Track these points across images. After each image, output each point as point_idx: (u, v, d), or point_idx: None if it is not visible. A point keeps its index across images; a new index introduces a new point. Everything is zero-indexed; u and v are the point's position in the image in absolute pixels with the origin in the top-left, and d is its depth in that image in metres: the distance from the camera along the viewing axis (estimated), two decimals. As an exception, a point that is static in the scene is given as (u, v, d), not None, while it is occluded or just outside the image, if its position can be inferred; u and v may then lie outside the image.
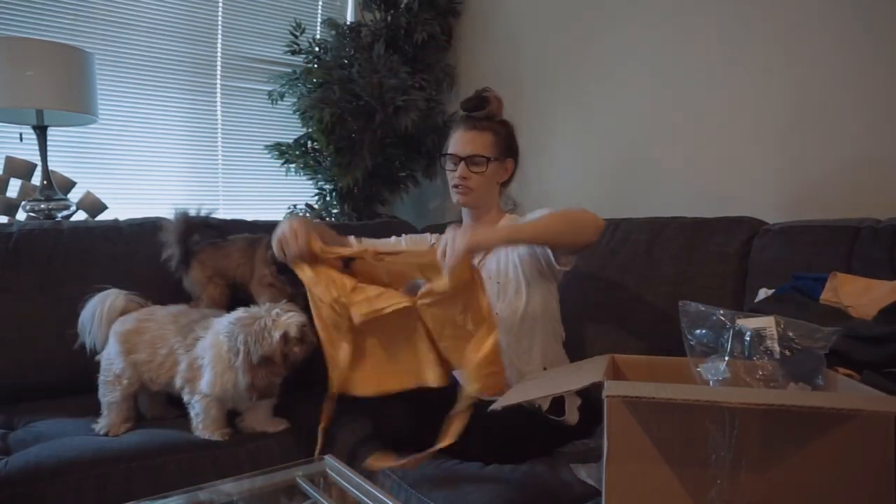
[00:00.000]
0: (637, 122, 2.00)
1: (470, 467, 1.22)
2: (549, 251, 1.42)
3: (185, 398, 1.40)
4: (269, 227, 2.03)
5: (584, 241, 1.35)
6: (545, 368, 1.46)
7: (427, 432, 1.19)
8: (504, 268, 1.51)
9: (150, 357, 1.41)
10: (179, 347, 1.39)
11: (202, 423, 1.39)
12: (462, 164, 1.51)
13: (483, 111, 1.51)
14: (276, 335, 1.32)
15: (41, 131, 1.99)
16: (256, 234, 1.81)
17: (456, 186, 1.53)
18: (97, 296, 1.50)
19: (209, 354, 1.36)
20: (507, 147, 1.55)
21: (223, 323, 1.38)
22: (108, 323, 1.47)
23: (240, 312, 1.38)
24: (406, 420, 1.32)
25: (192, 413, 1.40)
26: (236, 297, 1.73)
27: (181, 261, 1.75)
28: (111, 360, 1.44)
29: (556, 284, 1.52)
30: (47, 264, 1.69)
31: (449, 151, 1.54)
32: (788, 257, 1.37)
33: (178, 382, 1.40)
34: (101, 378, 1.45)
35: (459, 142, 1.52)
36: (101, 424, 1.41)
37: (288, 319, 1.34)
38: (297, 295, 1.55)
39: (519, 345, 1.45)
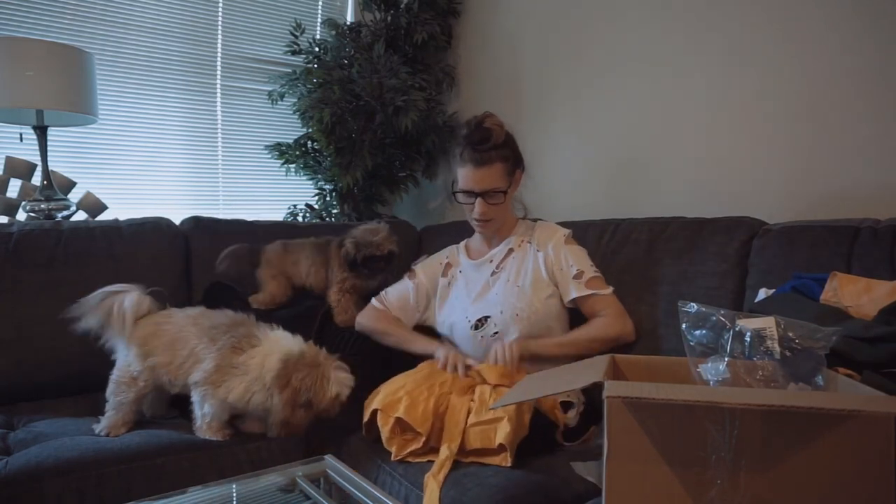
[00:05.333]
0: (637, 122, 2.00)
1: (470, 465, 1.22)
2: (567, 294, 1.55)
3: (196, 396, 1.39)
4: (270, 227, 2.09)
5: (609, 349, 1.45)
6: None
7: None
8: (524, 270, 1.56)
9: (169, 359, 1.40)
10: (205, 348, 1.38)
11: (208, 424, 1.38)
12: (479, 200, 1.54)
13: (489, 143, 1.51)
14: (333, 390, 1.35)
15: (41, 131, 1.99)
16: (322, 238, 1.90)
17: (477, 220, 1.59)
18: (124, 296, 1.45)
19: (254, 371, 1.35)
20: (515, 163, 1.58)
21: (280, 348, 1.37)
22: (133, 323, 1.44)
23: (302, 346, 1.39)
24: None
25: (199, 412, 1.38)
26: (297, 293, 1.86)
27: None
28: (129, 363, 1.42)
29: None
30: (47, 264, 1.68)
31: (462, 188, 1.55)
32: (788, 257, 1.36)
33: (196, 376, 1.37)
34: (115, 377, 1.43)
35: (472, 179, 1.53)
36: (102, 425, 1.40)
37: (344, 380, 1.37)
38: (373, 284, 1.77)
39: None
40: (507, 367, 1.36)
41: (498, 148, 1.52)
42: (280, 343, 1.39)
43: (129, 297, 1.44)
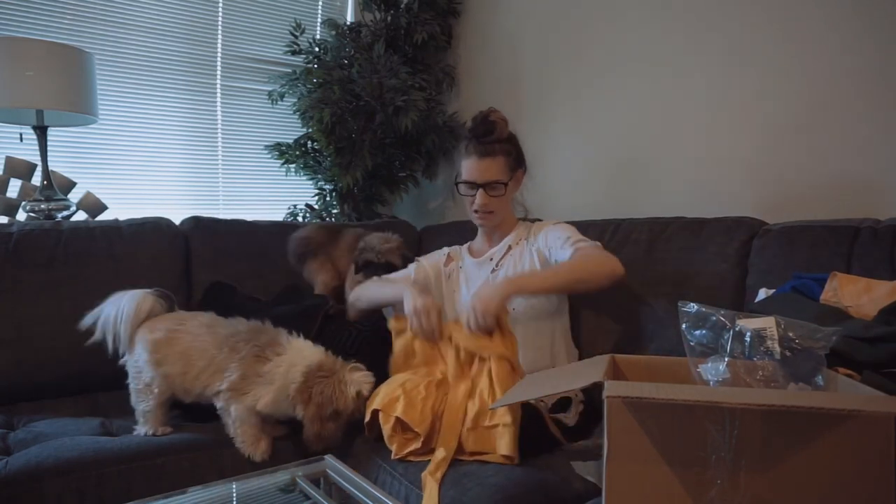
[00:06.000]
0: (637, 122, 2.00)
1: (470, 464, 1.22)
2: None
3: (220, 404, 1.38)
4: (270, 227, 2.08)
5: (598, 287, 1.42)
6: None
7: None
8: (521, 266, 1.58)
9: (184, 369, 1.39)
10: (226, 358, 1.37)
11: (240, 430, 1.37)
12: (481, 191, 1.55)
13: (493, 136, 1.53)
14: (352, 392, 1.34)
15: (41, 131, 1.99)
16: (358, 230, 1.99)
17: (477, 212, 1.59)
18: (123, 297, 1.45)
19: (279, 380, 1.35)
20: (517, 161, 1.60)
21: (303, 359, 1.37)
22: (135, 326, 1.43)
23: (321, 356, 1.38)
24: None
25: (229, 419, 1.37)
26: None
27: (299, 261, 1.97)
28: (140, 369, 1.41)
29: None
30: (47, 264, 1.68)
31: (465, 179, 1.57)
32: (788, 257, 1.37)
33: (219, 387, 1.36)
34: (132, 385, 1.43)
35: (475, 170, 1.54)
36: (144, 429, 1.40)
37: (362, 378, 1.37)
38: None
39: (534, 341, 1.50)
40: (478, 339, 1.30)
41: (501, 142, 1.55)
42: (303, 353, 1.39)
43: (129, 297, 1.43)
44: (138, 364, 1.42)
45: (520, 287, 1.38)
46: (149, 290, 1.48)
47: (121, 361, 1.45)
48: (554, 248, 1.54)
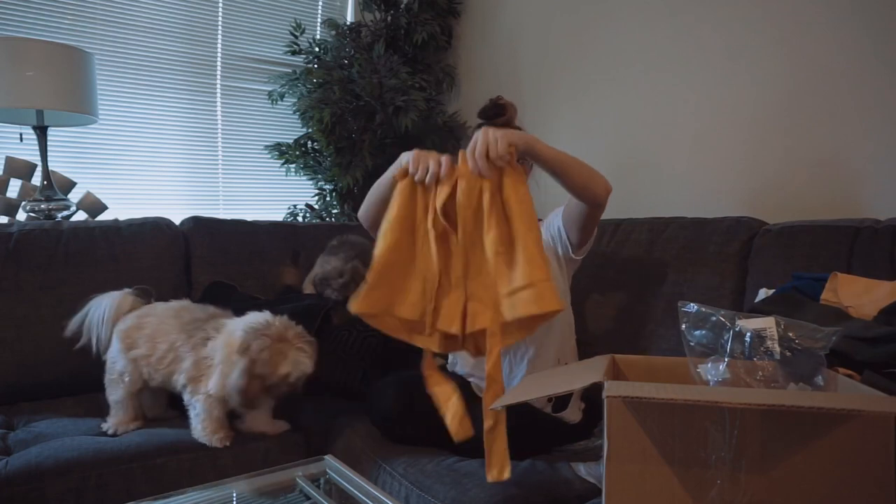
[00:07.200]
0: (637, 122, 2.00)
1: (470, 463, 1.22)
2: (568, 239, 1.46)
3: (186, 398, 1.39)
4: (270, 227, 2.08)
5: (594, 193, 1.35)
6: (565, 362, 1.48)
7: (416, 414, 1.29)
8: None
9: (148, 351, 1.40)
10: (183, 345, 1.38)
11: (203, 424, 1.37)
12: None
13: (502, 118, 1.53)
14: (283, 370, 1.32)
15: (41, 131, 1.99)
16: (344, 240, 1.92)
17: None
18: (103, 298, 1.49)
19: (220, 354, 1.34)
20: None
21: (242, 322, 1.37)
22: (114, 324, 1.47)
23: (268, 317, 1.37)
24: (396, 403, 1.35)
25: (193, 413, 1.38)
26: None
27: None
28: (114, 360, 1.44)
29: (569, 281, 1.54)
30: (47, 264, 1.69)
31: None
32: (788, 257, 1.37)
33: (180, 380, 1.38)
34: (107, 378, 1.45)
35: None
36: (108, 423, 1.41)
37: (300, 363, 1.34)
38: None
39: (538, 335, 1.47)
40: (483, 179, 1.16)
41: (511, 126, 1.53)
42: (241, 321, 1.38)
43: (109, 298, 1.47)
44: (113, 355, 1.44)
45: (534, 144, 1.27)
46: (128, 290, 1.51)
47: (104, 357, 1.47)
48: (554, 217, 1.51)
